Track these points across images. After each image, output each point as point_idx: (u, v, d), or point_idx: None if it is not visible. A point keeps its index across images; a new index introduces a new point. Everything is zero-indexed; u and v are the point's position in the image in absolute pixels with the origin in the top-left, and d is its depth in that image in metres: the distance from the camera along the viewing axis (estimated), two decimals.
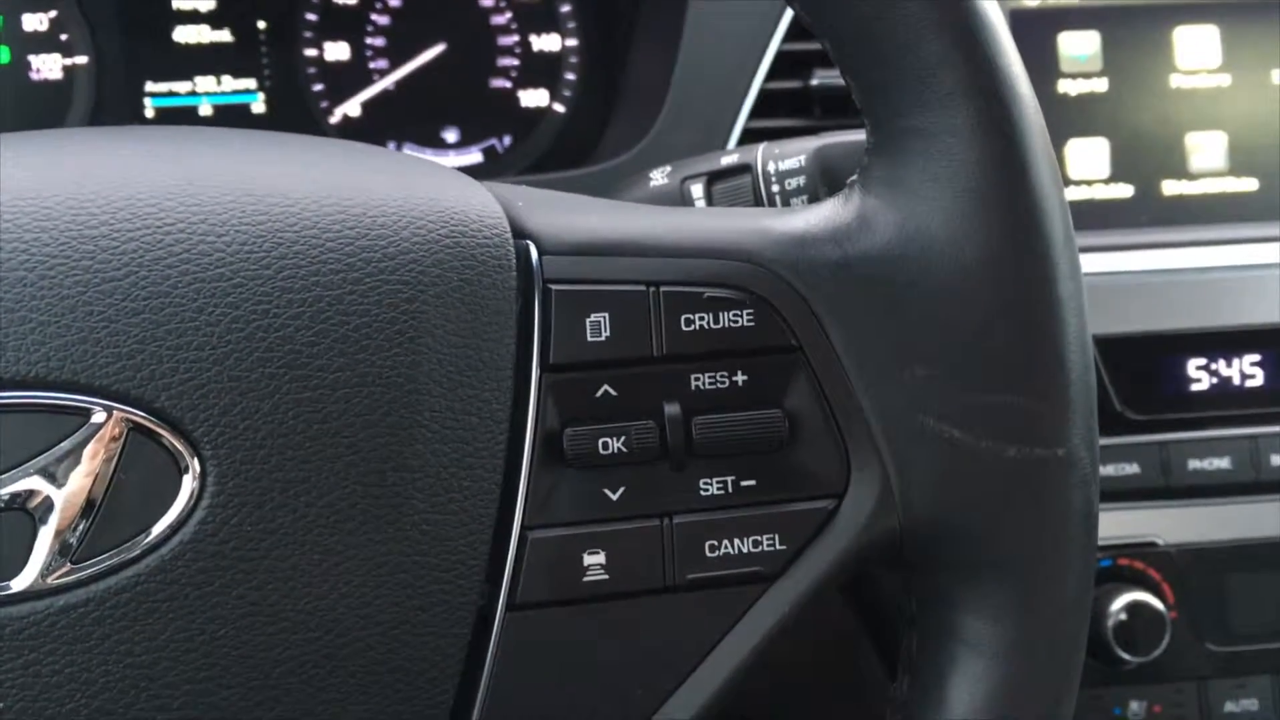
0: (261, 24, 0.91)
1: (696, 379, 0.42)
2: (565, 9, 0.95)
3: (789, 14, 0.81)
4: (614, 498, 0.41)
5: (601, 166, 0.81)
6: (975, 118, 0.41)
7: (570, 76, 0.96)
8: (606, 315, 0.41)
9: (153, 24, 0.89)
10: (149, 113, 0.90)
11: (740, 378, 0.42)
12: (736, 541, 0.42)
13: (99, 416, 0.36)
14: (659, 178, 0.61)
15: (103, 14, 0.89)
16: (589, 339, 0.41)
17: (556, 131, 0.97)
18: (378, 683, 0.39)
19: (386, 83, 0.93)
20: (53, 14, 0.88)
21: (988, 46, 0.41)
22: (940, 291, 0.41)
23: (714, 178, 0.59)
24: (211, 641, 0.37)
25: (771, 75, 0.81)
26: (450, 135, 0.95)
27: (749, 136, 0.80)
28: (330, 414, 0.38)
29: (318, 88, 0.93)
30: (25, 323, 0.36)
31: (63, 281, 0.37)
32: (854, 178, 0.44)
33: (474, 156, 0.94)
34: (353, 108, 0.93)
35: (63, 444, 0.36)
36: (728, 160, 0.59)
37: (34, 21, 0.88)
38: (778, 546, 0.42)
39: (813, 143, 0.58)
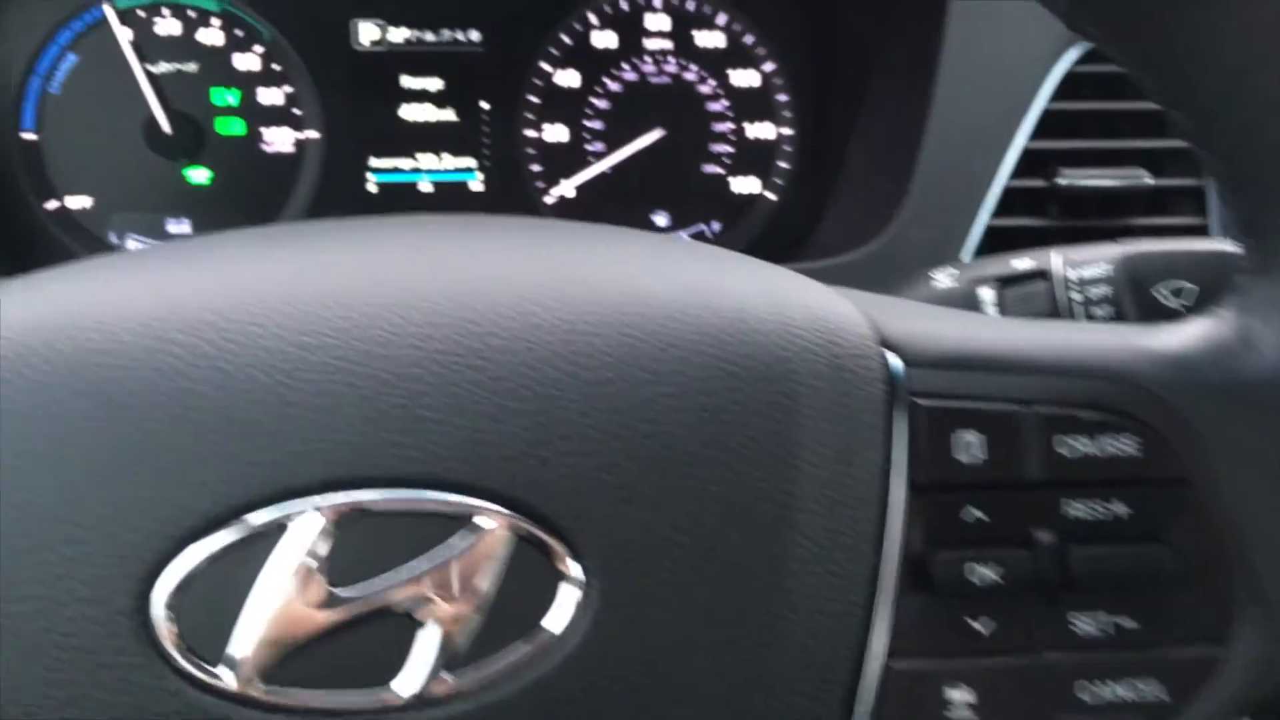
0: (485, 104, 0.92)
1: (1073, 507, 0.39)
2: (782, 99, 0.95)
3: (1035, 110, 0.79)
4: (982, 630, 0.39)
5: (834, 261, 0.79)
6: None
7: (783, 165, 0.95)
8: (976, 434, 0.39)
9: (382, 101, 0.91)
10: (371, 187, 0.91)
11: (1121, 508, 0.39)
12: (1112, 685, 0.39)
13: (485, 520, 0.35)
14: (945, 280, 0.59)
15: (336, 90, 0.90)
16: (957, 458, 0.39)
17: (767, 219, 0.96)
18: None
19: (603, 165, 0.93)
20: (288, 89, 0.90)
21: None
22: None
23: (1006, 282, 0.57)
24: None
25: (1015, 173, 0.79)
26: (660, 219, 0.95)
27: (988, 236, 0.78)
28: (710, 528, 0.36)
29: (535, 168, 0.93)
30: (419, 420, 0.35)
31: (454, 379, 0.36)
32: (1227, 294, 0.42)
33: None
34: (568, 189, 0.93)
35: (450, 542, 0.35)
36: (1020, 265, 0.57)
37: (270, 96, 0.90)
38: (1163, 697, 0.39)
39: (1115, 250, 0.56)
